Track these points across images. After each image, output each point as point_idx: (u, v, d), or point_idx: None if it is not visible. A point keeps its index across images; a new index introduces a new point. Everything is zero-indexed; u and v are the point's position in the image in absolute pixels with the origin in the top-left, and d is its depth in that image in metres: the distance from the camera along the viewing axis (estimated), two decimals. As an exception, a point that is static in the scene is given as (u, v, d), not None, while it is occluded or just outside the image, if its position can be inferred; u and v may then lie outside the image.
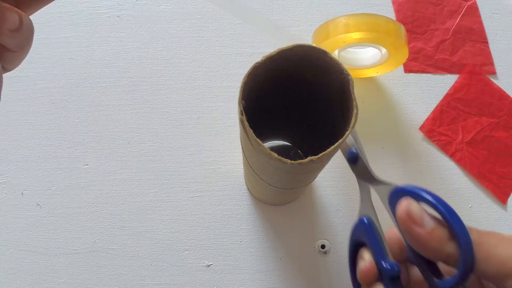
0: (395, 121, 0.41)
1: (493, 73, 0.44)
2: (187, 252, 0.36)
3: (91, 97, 0.41)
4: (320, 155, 0.22)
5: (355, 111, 0.22)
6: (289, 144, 0.38)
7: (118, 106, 0.40)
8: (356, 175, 0.26)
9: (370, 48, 0.39)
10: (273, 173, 0.26)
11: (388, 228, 0.25)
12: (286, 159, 0.22)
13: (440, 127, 0.41)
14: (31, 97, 0.41)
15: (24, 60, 0.20)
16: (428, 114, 0.41)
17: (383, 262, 0.23)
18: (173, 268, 0.36)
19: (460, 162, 0.40)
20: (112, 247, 0.36)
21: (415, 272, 0.25)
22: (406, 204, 0.21)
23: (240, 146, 0.29)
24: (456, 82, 0.43)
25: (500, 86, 0.43)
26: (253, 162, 0.27)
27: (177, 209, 0.37)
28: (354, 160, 0.26)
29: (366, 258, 0.24)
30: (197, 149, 0.39)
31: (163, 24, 0.43)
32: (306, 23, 0.44)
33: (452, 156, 0.40)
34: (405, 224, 0.21)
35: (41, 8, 0.21)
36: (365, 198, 0.26)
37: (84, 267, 0.36)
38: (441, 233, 0.20)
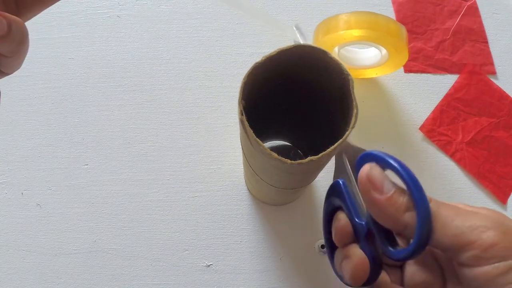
0: (395, 121, 0.41)
1: (493, 73, 0.44)
2: (187, 252, 0.36)
3: (91, 97, 0.41)
4: (320, 155, 0.22)
5: (355, 111, 0.22)
6: (289, 144, 0.38)
7: (118, 106, 0.40)
8: None
9: (371, 48, 0.39)
10: (273, 173, 0.26)
11: None
12: (286, 159, 0.22)
13: (440, 127, 0.41)
14: (31, 97, 0.41)
15: (24, 60, 0.20)
16: (428, 114, 0.41)
17: (357, 220, 0.22)
18: (173, 268, 0.36)
19: (460, 162, 0.40)
20: (112, 247, 0.36)
21: None
22: (368, 168, 0.21)
23: (240, 146, 0.29)
24: (456, 82, 0.43)
25: (500, 86, 0.43)
26: (253, 162, 0.27)
27: (177, 209, 0.37)
28: None
29: (341, 218, 0.23)
30: (197, 149, 0.39)
31: (163, 24, 0.43)
32: (306, 23, 0.44)
33: (452, 156, 0.40)
34: (365, 188, 0.20)
35: (43, 10, 0.21)
36: (340, 163, 0.25)
37: (84, 267, 0.36)
38: (400, 200, 0.20)
